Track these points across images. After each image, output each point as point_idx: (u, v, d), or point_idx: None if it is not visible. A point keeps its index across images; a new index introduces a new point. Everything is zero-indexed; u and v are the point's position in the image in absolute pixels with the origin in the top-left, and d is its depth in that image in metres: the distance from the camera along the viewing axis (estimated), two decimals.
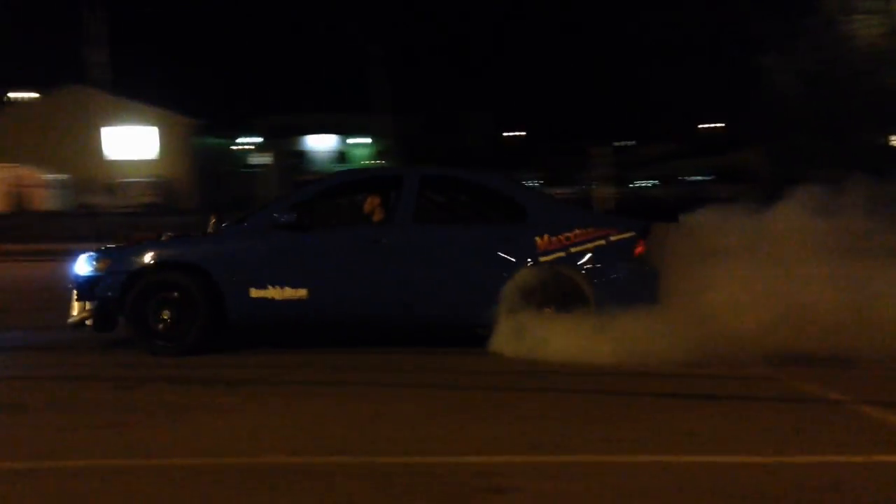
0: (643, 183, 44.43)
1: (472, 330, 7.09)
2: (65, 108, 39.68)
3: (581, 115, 59.83)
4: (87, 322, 7.33)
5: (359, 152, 53.83)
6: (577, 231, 7.10)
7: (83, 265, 7.39)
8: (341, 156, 53.53)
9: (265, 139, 48.90)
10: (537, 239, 7.09)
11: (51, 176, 34.25)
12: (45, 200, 31.34)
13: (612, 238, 7.08)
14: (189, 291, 7.19)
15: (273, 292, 7.19)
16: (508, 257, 7.08)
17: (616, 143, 46.76)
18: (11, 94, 48.09)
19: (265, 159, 47.99)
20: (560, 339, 6.72)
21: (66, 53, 44.64)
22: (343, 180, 8.59)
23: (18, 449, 4.74)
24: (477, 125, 55.91)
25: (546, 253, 7.07)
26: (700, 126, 59.29)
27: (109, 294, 7.26)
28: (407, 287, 7.16)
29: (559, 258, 7.05)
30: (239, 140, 48.85)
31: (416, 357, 7.05)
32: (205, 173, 39.40)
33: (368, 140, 52.56)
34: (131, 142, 40.78)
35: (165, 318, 7.20)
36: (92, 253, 7.50)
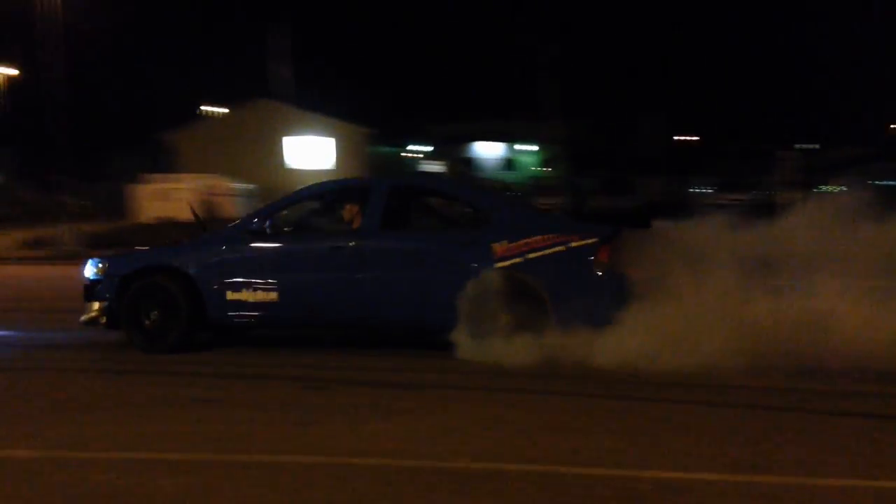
0: (830, 188, 41.74)
1: (434, 334, 7.18)
2: (250, 121, 42.11)
3: (760, 117, 57.15)
4: (101, 321, 7.88)
5: (526, 159, 53.85)
6: (536, 237, 7.15)
7: (88, 269, 8.01)
8: (509, 163, 53.75)
9: (435, 147, 49.86)
10: (495, 245, 7.19)
11: (238, 185, 36.33)
12: (234, 208, 33.24)
13: (573, 244, 7.10)
14: (173, 294, 7.67)
15: (246, 295, 7.62)
16: (466, 263, 7.21)
17: (798, 146, 44.31)
18: (203, 108, 51.76)
19: (435, 167, 48.91)
20: (520, 344, 6.82)
21: (253, 69, 47.46)
22: (318, 191, 8.75)
23: (217, 442, 5.02)
24: (649, 129, 54.56)
25: (504, 259, 7.16)
26: (892, 126, 55.11)
27: (107, 295, 7.83)
28: (371, 292, 7.42)
29: (516, 264, 7.13)
30: (409, 148, 50.06)
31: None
32: None
33: (536, 147, 52.48)
34: (310, 151, 42.73)
35: (153, 318, 7.70)
36: (95, 258, 8.16)
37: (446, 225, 8.08)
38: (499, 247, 7.19)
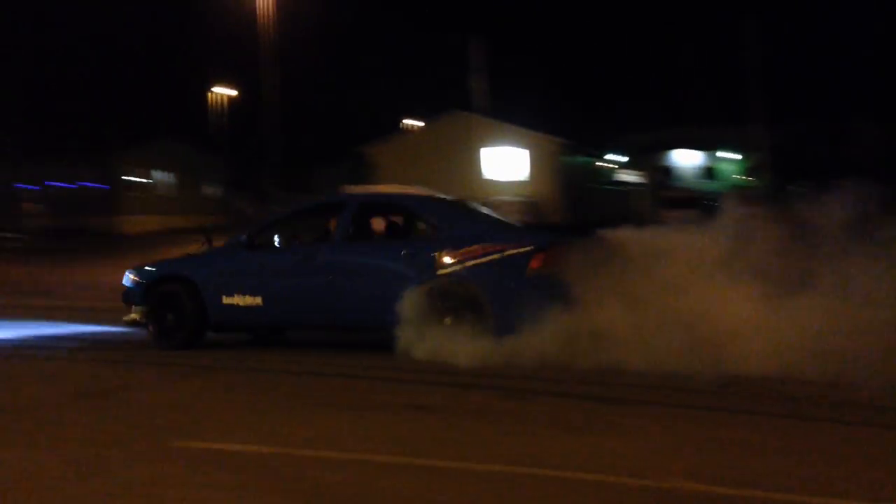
0: None
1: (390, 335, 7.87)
2: (447, 133, 43.09)
3: None
4: (143, 321, 8.99)
5: (727, 167, 51.58)
6: (475, 246, 7.85)
7: (126, 278, 9.27)
8: (708, 171, 51.69)
9: (630, 156, 48.86)
10: (437, 254, 7.97)
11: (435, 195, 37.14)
12: None
13: (508, 252, 7.77)
14: (182, 299, 8.78)
15: (237, 299, 8.66)
16: (413, 270, 8.00)
17: None
18: (403, 122, 53.62)
19: (630, 176, 47.91)
20: (454, 343, 7.49)
21: (451, 82, 48.67)
22: (306, 207, 9.83)
23: (430, 447, 5.13)
24: (866, 133, 50.70)
25: (444, 266, 7.92)
26: None
27: (137, 300, 9.04)
28: (336, 296, 8.31)
29: (455, 271, 7.88)
30: (603, 157, 49.40)
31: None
32: (571, 191, 40.36)
33: (739, 155, 50.14)
34: (505, 162, 43.16)
35: (169, 319, 8.84)
36: (130, 269, 9.39)
37: (403, 236, 8.82)
38: (440, 256, 7.95)
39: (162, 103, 52.42)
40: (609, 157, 48.28)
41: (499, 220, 9.14)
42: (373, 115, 54.38)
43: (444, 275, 7.91)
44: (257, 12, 36.48)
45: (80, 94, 48.20)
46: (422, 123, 50.10)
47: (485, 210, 9.60)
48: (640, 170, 48.02)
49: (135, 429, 5.66)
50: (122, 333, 9.93)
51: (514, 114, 42.52)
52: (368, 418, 5.89)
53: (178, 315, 8.82)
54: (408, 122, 53.38)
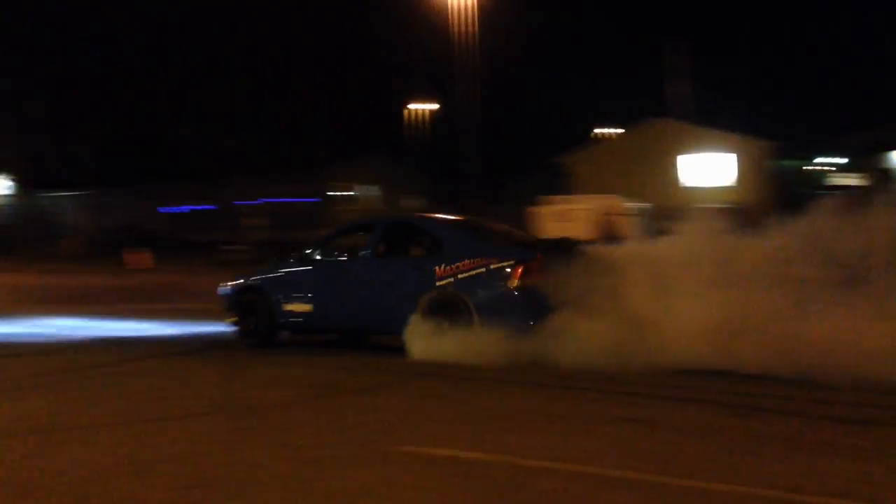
0: None
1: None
2: (645, 141, 42.07)
3: None
4: (236, 323, 10.53)
5: None
6: (466, 261, 8.87)
7: (222, 288, 10.96)
8: None
9: (849, 158, 45.53)
10: (437, 268, 9.01)
11: (633, 204, 36.53)
12: (630, 227, 33.54)
13: (493, 266, 8.77)
14: (256, 305, 10.38)
15: (294, 306, 10.13)
16: (420, 283, 9.11)
17: None
18: (597, 130, 52.97)
19: (849, 180, 44.62)
20: (449, 345, 8.54)
21: (647, 88, 47.49)
22: (347, 226, 11.22)
23: (648, 462, 4.97)
24: None
25: (441, 279, 9.01)
26: None
27: (230, 307, 10.68)
28: (363, 304, 9.60)
29: (449, 283, 8.96)
30: (817, 160, 46.36)
31: None
32: (781, 197, 38.16)
33: None
34: (706, 169, 41.51)
35: (250, 322, 10.43)
36: (224, 281, 10.94)
37: (416, 252, 9.95)
38: (438, 269, 9.01)
39: (366, 119, 54.89)
40: (825, 159, 45.24)
41: (499, 235, 9.98)
42: (566, 118, 54.12)
43: (441, 286, 8.99)
44: (453, 30, 37.42)
45: (291, 115, 51.43)
46: (615, 131, 49.20)
47: (493, 226, 10.35)
48: (860, 172, 44.59)
49: (356, 431, 5.88)
50: (327, 339, 10.64)
51: (717, 117, 40.85)
52: (581, 429, 5.81)
53: (256, 319, 10.41)
54: (603, 130, 52.63)
